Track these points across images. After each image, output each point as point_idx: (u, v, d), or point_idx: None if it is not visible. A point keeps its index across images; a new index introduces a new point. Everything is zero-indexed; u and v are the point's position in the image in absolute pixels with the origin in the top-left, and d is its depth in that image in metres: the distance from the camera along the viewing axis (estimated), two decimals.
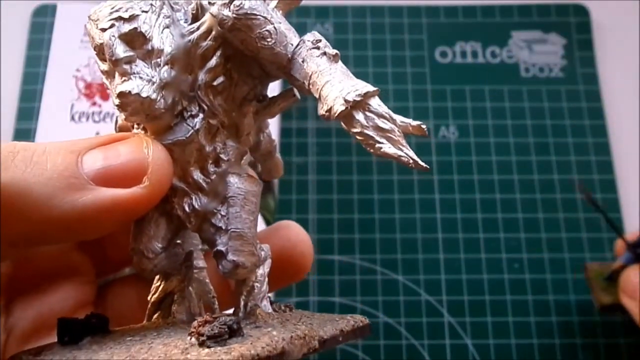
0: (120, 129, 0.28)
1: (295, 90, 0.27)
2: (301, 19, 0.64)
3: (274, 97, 0.27)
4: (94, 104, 0.58)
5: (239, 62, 0.26)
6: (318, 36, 0.25)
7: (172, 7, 0.25)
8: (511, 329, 0.52)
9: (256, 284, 0.27)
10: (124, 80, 0.23)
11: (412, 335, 0.52)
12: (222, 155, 0.26)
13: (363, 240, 0.55)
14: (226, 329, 0.23)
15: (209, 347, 0.22)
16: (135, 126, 0.26)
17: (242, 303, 0.26)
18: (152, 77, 0.24)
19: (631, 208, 0.57)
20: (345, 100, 0.23)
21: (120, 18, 0.24)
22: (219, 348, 0.22)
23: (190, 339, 0.23)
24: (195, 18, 0.25)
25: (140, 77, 0.23)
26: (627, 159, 0.59)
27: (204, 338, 0.22)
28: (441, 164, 0.58)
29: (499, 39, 0.64)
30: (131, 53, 0.24)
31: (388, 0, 0.65)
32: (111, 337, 0.26)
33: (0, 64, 0.61)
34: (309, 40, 0.25)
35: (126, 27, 0.24)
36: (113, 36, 0.24)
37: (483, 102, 0.61)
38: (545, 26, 0.64)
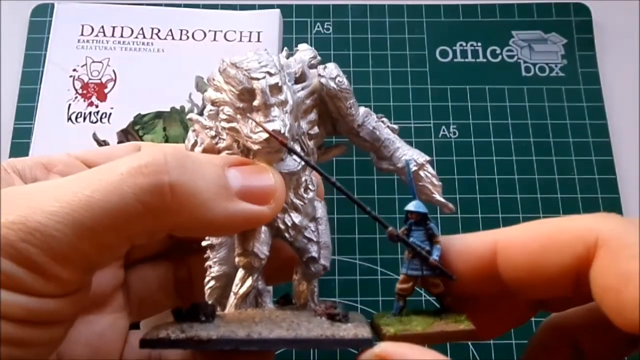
0: (204, 151, 0.33)
1: (345, 146, 0.37)
2: (301, 18, 0.64)
3: (329, 147, 0.37)
4: (91, 104, 0.57)
5: (323, 119, 0.35)
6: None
7: (282, 68, 0.32)
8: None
9: (315, 286, 0.35)
10: (269, 121, 0.30)
11: None
12: (310, 185, 0.34)
13: (363, 240, 0.55)
14: (345, 313, 0.31)
15: (344, 322, 0.30)
16: (225, 152, 0.33)
17: (310, 300, 0.35)
18: (285, 121, 0.30)
19: (632, 207, 0.57)
20: (417, 163, 0.35)
21: (268, 72, 0.30)
22: (350, 324, 0.30)
23: (321, 318, 0.31)
24: (298, 80, 0.33)
25: (281, 120, 0.30)
26: (629, 159, 0.59)
27: (340, 317, 0.30)
28: (441, 163, 0.58)
29: (500, 39, 0.64)
30: (274, 100, 0.30)
31: None
32: (232, 320, 0.31)
33: None
34: (374, 114, 0.35)
35: (272, 80, 0.30)
36: (267, 86, 0.30)
37: (484, 101, 0.61)
38: (546, 25, 0.64)
